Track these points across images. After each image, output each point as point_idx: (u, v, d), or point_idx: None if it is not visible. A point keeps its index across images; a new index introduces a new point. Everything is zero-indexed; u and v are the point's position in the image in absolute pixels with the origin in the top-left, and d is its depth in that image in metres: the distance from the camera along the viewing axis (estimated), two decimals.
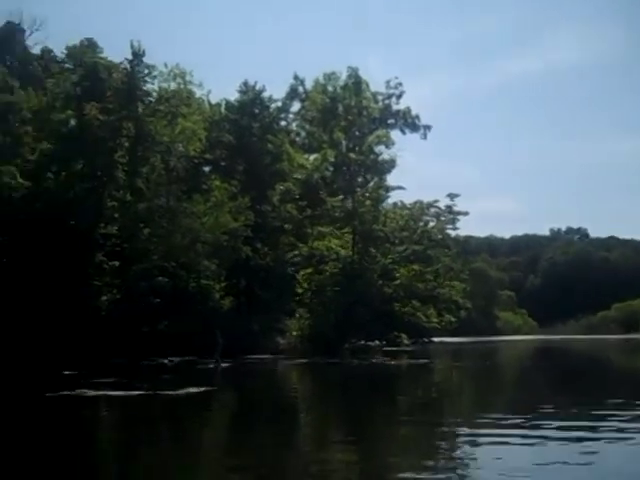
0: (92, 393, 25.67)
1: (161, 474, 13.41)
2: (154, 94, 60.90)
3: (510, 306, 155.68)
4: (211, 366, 40.91)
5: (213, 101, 69.15)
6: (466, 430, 17.49)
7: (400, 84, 76.44)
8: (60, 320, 46.34)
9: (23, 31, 74.43)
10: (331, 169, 68.92)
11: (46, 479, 12.79)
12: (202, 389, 27.37)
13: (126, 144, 57.67)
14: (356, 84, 69.37)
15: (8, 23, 72.94)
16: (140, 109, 58.29)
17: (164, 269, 52.15)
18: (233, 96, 68.16)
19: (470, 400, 27.22)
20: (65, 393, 25.36)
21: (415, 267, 68.23)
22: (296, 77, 79.62)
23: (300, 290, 58.96)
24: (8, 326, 46.77)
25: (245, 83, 67.64)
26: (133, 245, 55.13)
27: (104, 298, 51.65)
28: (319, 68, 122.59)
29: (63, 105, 57.04)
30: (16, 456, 14.85)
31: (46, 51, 73.27)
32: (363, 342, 59.38)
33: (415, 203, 75.10)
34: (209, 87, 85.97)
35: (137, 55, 58.65)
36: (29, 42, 74.83)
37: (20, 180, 54.66)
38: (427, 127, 79.37)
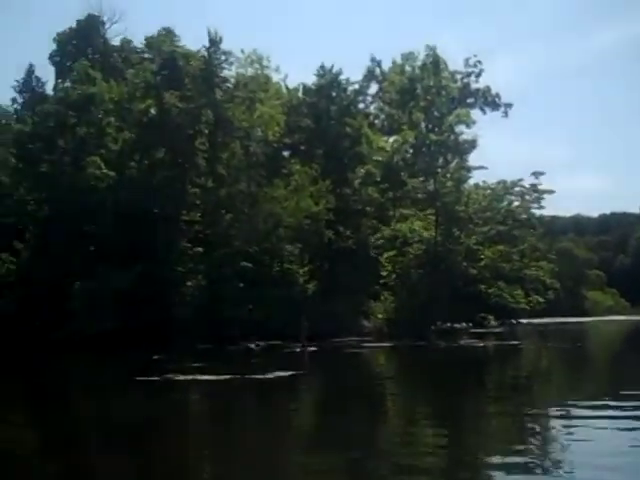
0: (181, 377, 25.66)
1: (254, 458, 13.12)
2: (232, 80, 60.98)
3: (599, 286, 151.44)
4: (297, 350, 40.70)
5: (290, 85, 68.99)
6: (557, 413, 16.77)
7: (479, 62, 74.70)
8: (147, 306, 46.85)
9: (103, 24, 75.47)
10: (411, 151, 67.83)
11: (149, 465, 12.61)
12: (290, 373, 27.09)
13: (206, 131, 57.89)
14: (434, 63, 68.00)
15: (89, 16, 74.08)
16: (218, 95, 58.39)
17: (247, 254, 52.23)
18: (310, 80, 67.78)
19: (561, 383, 26.25)
20: (154, 378, 25.42)
21: (500, 248, 66.62)
22: (373, 59, 78.83)
23: (384, 273, 58.28)
24: (96, 313, 47.66)
25: (322, 66, 67.09)
26: (216, 231, 55.42)
27: (189, 284, 52.03)
28: (396, 49, 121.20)
29: (143, 94, 57.62)
30: (115, 441, 14.80)
31: (125, 42, 74.22)
32: (449, 324, 58.39)
33: (498, 183, 73.21)
34: (286, 72, 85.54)
35: (214, 42, 58.76)
36: (109, 34, 75.92)
37: (105, 170, 55.57)
38: (508, 105, 77.43)
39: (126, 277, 48.64)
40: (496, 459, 12.11)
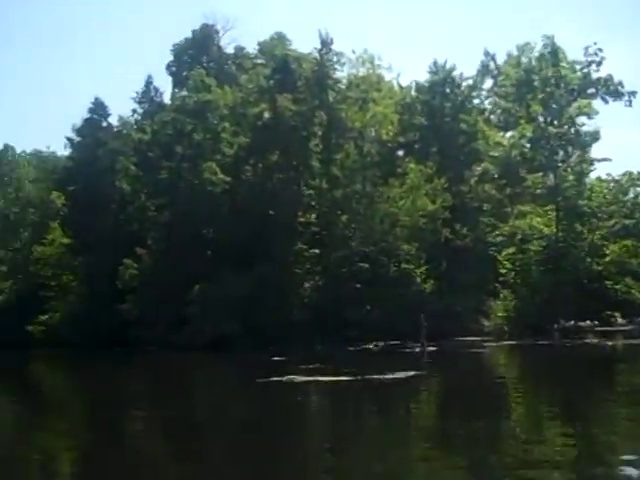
0: (302, 379, 25.47)
1: (378, 456, 12.71)
2: (344, 81, 60.91)
3: None
4: (417, 350, 39.96)
5: (403, 83, 68.16)
6: None
7: (600, 50, 71.67)
8: (265, 308, 47.21)
9: (217, 32, 76.82)
10: (529, 145, 65.77)
11: (272, 466, 12.41)
12: (410, 373, 26.47)
13: (319, 132, 57.94)
14: (553, 53, 65.64)
15: (203, 26, 75.58)
16: (331, 97, 58.41)
17: (364, 255, 51.91)
18: (423, 77, 66.80)
19: None
20: (276, 379, 25.31)
21: (627, 242, 63.64)
22: (487, 53, 76.93)
23: (503, 271, 56.71)
24: (215, 315, 48.36)
25: (435, 63, 65.97)
26: (332, 232, 55.41)
27: (306, 285, 52.18)
28: (509, 42, 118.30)
29: (257, 99, 58.30)
30: (243, 440, 14.70)
31: (239, 49, 75.33)
32: (573, 322, 56.22)
33: (623, 174, 70.12)
34: (398, 70, 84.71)
35: (325, 44, 58.81)
36: (223, 42, 77.20)
37: (220, 175, 56.46)
38: (632, 93, 73.99)
39: (244, 280, 49.22)
40: (630, 457, 11.33)
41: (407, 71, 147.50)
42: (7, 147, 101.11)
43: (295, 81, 57.33)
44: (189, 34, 75.62)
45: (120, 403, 23.46)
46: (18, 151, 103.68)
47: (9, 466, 13.79)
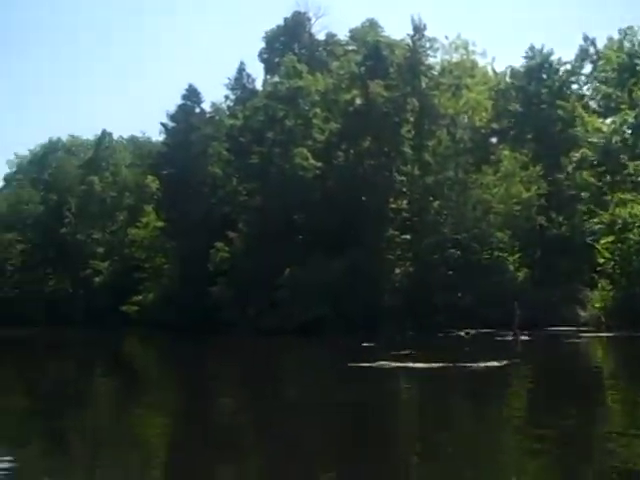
0: (393, 365, 25.21)
1: (470, 443, 12.39)
2: (437, 67, 60.11)
3: None
4: (510, 338, 39.16)
5: (498, 69, 66.78)
6: None
7: None
8: (356, 293, 47.14)
9: (309, 19, 76.81)
10: (630, 131, 63.53)
11: (368, 452, 12.25)
12: (503, 362, 25.86)
13: (411, 119, 57.35)
14: None
15: (295, 13, 75.68)
16: (423, 83, 57.74)
17: (456, 241, 51.26)
18: (519, 62, 65.29)
19: None
20: (366, 365, 25.13)
21: None
22: (586, 37, 74.64)
23: (601, 260, 54.99)
24: (305, 300, 48.53)
25: (531, 48, 64.37)
26: (423, 218, 54.89)
27: (397, 271, 51.86)
28: (610, 26, 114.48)
29: (349, 85, 58.09)
30: (334, 424, 14.61)
31: (330, 36, 75.16)
32: None
33: None
34: (493, 55, 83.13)
35: (418, 29, 58.14)
36: (314, 29, 77.15)
37: (312, 161, 56.55)
38: None
39: (335, 265, 49.27)
40: None
41: (502, 56, 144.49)
42: (105, 133, 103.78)
43: (387, 67, 56.82)
44: (281, 22, 75.91)
45: (211, 384, 23.70)
46: (115, 137, 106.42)
47: (105, 437, 14.04)
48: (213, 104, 76.91)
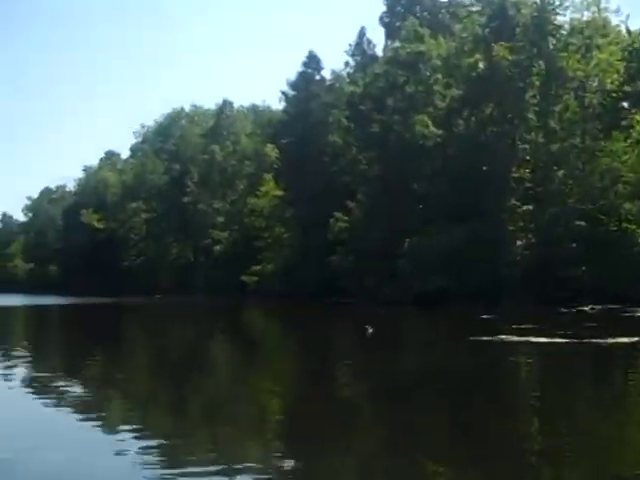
0: (514, 339, 24.19)
1: (588, 422, 11.43)
2: (566, 27, 57.24)
3: None
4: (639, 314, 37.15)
5: (632, 27, 63.04)
6: None
7: None
8: (476, 265, 45.89)
9: None
10: None
11: (482, 423, 11.54)
12: (633, 339, 24.33)
13: (537, 83, 54.95)
14: None
15: None
16: (551, 44, 55.18)
17: (582, 212, 48.96)
18: None
19: None
20: (487, 338, 24.22)
21: None
22: None
23: None
24: (425, 271, 47.65)
25: None
26: (547, 188, 52.66)
27: (519, 243, 50.15)
28: None
29: (472, 49, 56.26)
30: (454, 397, 13.98)
31: None
32: None
33: None
34: (627, 12, 78.40)
35: None
36: None
37: (432, 128, 55.29)
38: None
39: (455, 235, 48.11)
40: None
41: (637, 14, 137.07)
42: (226, 102, 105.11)
43: (513, 28, 54.58)
44: None
45: (330, 352, 23.45)
46: (236, 106, 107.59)
47: (226, 400, 13.88)
48: (333, 71, 76.55)
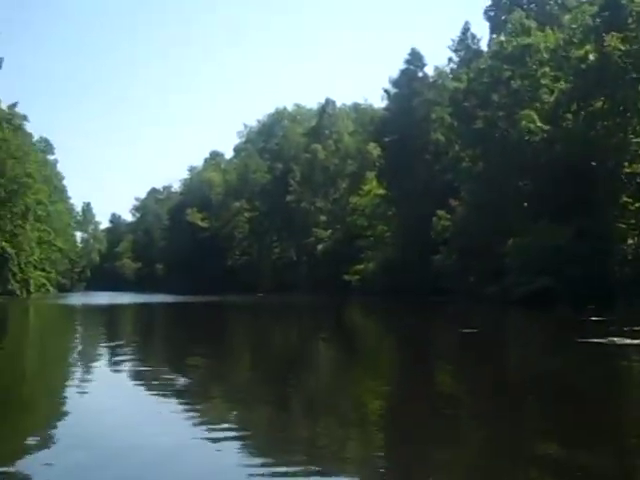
0: (627, 341, 22.72)
1: None
2: None
3: None
4: None
5: None
6: None
7: None
8: (584, 264, 44.01)
9: None
10: None
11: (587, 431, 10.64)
12: None
13: None
14: None
15: None
16: None
17: None
18: None
19: None
20: (596, 340, 22.81)
21: None
22: None
23: None
24: (530, 269, 46.13)
25: None
26: None
27: (630, 241, 47.86)
28: None
29: (581, 40, 54.12)
30: (558, 405, 13.08)
31: None
32: None
33: None
34: None
35: None
36: None
37: (539, 124, 53.52)
38: None
39: (562, 233, 46.32)
40: None
41: None
42: (328, 101, 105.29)
43: (625, 18, 51.96)
44: None
45: (432, 350, 22.69)
46: (338, 105, 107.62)
47: (327, 397, 13.50)
48: (436, 68, 75.44)
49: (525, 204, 53.88)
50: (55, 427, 10.36)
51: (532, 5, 68.74)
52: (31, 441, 9.50)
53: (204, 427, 10.18)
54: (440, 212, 60.15)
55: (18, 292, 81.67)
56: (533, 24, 58.77)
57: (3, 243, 78.18)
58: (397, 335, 29.95)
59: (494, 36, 68.04)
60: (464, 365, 18.96)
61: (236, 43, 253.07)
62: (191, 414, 11.10)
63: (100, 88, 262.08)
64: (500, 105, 57.29)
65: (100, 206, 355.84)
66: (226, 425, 10.53)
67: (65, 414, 11.28)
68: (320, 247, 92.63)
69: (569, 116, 53.95)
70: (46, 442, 9.36)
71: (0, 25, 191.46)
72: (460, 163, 62.86)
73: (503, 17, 66.54)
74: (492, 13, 71.72)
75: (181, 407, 11.72)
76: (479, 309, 44.84)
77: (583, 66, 52.31)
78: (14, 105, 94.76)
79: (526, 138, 53.90)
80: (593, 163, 50.15)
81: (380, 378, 16.63)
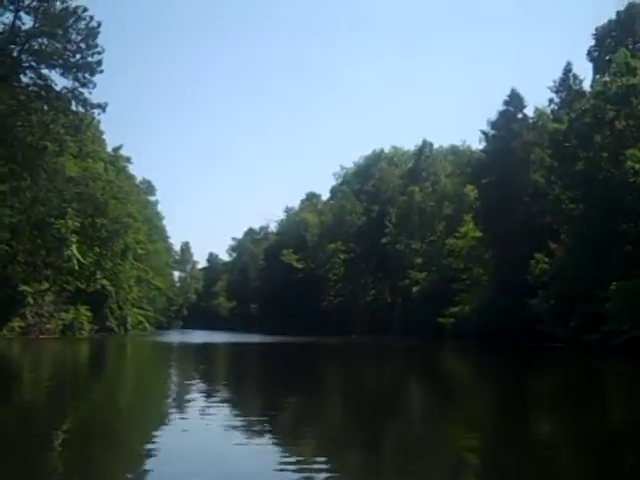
0: None
1: None
2: None
3: None
4: None
5: None
6: None
7: None
8: None
9: None
10: None
11: None
12: None
13: None
14: None
15: (629, 5, 69.77)
16: None
17: None
18: None
19: None
20: None
21: None
22: None
23: None
24: (633, 315, 44.13)
25: None
26: None
27: None
28: None
29: None
30: None
31: None
32: None
33: None
34: None
35: None
36: None
37: None
38: None
39: None
40: None
41: None
42: (425, 143, 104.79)
43: None
44: (613, 16, 70.53)
45: (526, 399, 21.50)
46: (436, 146, 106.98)
47: (417, 443, 12.85)
48: (536, 109, 73.89)
49: (629, 247, 51.76)
50: (146, 464, 10.34)
51: (637, 45, 66.79)
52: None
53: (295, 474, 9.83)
54: (538, 255, 58.47)
55: (116, 329, 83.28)
56: (638, 64, 56.97)
57: (103, 281, 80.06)
58: (489, 383, 28.81)
59: (597, 77, 66.33)
60: (556, 415, 17.85)
61: (334, 84, 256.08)
62: (282, 459, 10.82)
63: (199, 129, 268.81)
64: (603, 146, 55.53)
65: (199, 246, 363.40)
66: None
67: (157, 451, 11.21)
68: (415, 289, 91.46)
69: None
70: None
71: (107, 69, 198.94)
72: (560, 205, 61.10)
73: (607, 57, 64.82)
74: (596, 54, 70.01)
75: (272, 455, 11.29)
76: (576, 356, 43.11)
77: None
78: (119, 148, 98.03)
79: (631, 180, 51.98)
80: None
81: (470, 426, 15.71)
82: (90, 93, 56.57)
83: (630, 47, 64.57)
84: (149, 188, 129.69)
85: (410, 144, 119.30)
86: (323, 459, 10.99)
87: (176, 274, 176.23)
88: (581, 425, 15.31)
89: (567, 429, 15.21)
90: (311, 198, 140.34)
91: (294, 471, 9.78)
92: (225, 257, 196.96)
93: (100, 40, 56.25)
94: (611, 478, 10.17)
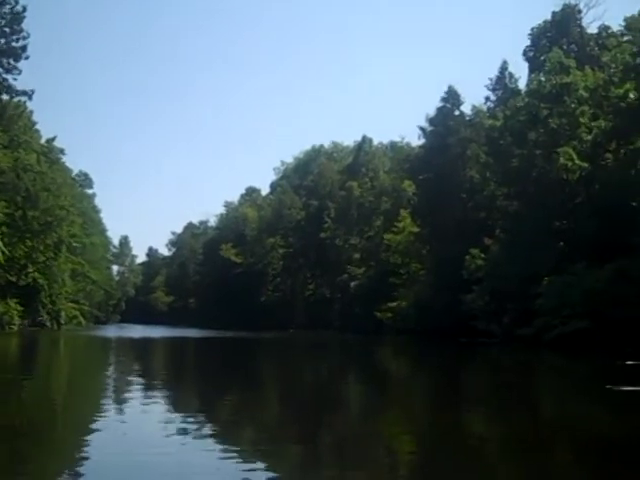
0: None
1: None
2: None
3: None
4: None
5: None
6: None
7: None
8: (622, 306, 42.43)
9: (579, 11, 71.59)
10: None
11: None
12: None
13: None
14: None
15: (565, 6, 70.97)
16: None
17: None
18: None
19: None
20: (628, 388, 21.27)
21: None
22: None
23: None
24: (564, 311, 44.81)
25: None
26: None
27: None
28: None
29: (621, 78, 53.00)
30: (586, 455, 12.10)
31: (603, 28, 69.62)
32: None
33: None
34: None
35: None
36: (585, 21, 71.79)
37: (577, 162, 52.45)
38: None
39: (599, 274, 44.84)
40: None
41: None
42: (365, 139, 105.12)
43: None
44: (549, 16, 71.59)
45: (460, 395, 21.54)
46: (375, 142, 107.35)
47: (355, 438, 12.88)
48: (473, 106, 74.55)
49: (562, 243, 52.61)
50: (81, 465, 9.99)
51: (572, 46, 67.94)
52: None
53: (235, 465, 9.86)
54: (474, 250, 58.87)
55: (48, 324, 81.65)
56: (572, 63, 57.87)
57: (35, 274, 78.32)
58: (423, 378, 28.92)
59: (532, 75, 67.27)
60: (489, 412, 17.84)
61: (274, 80, 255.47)
62: (222, 454, 10.73)
63: (139, 123, 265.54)
64: (537, 143, 56.29)
65: (138, 240, 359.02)
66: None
67: (91, 449, 10.96)
68: (353, 284, 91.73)
69: (608, 155, 52.82)
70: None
71: (40, 58, 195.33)
72: (495, 201, 61.81)
73: (542, 57, 65.71)
74: (531, 53, 71.05)
75: (213, 447, 11.32)
76: (508, 351, 43.63)
77: (623, 104, 51.24)
78: (53, 139, 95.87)
79: (564, 177, 52.82)
80: (633, 203, 48.78)
81: (406, 421, 15.73)
82: (15, 80, 55.11)
83: (564, 47, 65.66)
84: (86, 181, 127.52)
85: (350, 140, 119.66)
86: (259, 455, 10.86)
87: (115, 268, 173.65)
88: (508, 420, 15.39)
89: (495, 424, 15.24)
90: (251, 193, 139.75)
91: (232, 468, 9.73)
92: (165, 251, 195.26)
93: (39, 25, 55.04)
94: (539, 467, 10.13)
